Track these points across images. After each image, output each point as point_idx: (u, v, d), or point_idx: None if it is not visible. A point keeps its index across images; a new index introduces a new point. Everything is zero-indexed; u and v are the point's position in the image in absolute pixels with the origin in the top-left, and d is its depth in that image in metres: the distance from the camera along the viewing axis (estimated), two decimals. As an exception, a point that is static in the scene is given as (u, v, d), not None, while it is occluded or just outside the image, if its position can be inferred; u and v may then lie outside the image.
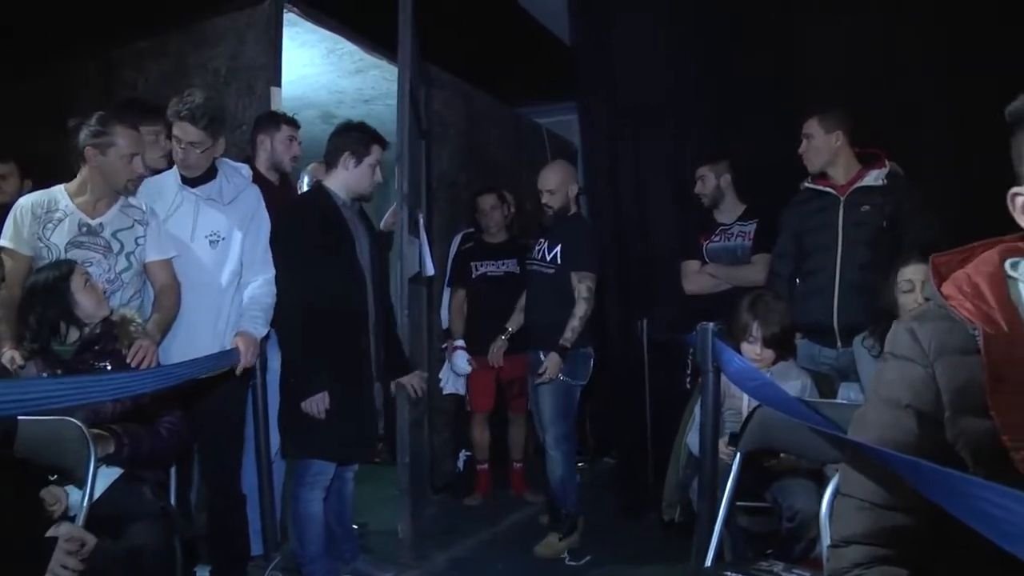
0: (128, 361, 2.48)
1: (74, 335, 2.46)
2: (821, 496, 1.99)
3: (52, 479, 2.20)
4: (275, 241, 3.07)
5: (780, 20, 4.15)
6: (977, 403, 1.07)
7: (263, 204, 3.10)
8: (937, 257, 1.21)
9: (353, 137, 3.16)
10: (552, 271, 3.78)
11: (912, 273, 2.68)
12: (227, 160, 3.17)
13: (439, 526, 4.13)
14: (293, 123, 3.59)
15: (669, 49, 4.37)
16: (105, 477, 2.26)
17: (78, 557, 1.87)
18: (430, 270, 3.94)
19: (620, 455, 4.76)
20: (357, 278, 3.13)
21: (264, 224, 3.07)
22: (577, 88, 4.69)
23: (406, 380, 3.43)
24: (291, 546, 3.23)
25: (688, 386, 3.82)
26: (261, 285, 3.00)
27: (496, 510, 4.48)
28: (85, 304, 2.46)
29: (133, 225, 2.80)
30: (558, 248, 3.77)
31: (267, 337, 3.03)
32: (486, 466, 4.72)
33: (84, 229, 2.72)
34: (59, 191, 2.76)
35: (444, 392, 4.67)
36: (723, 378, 2.45)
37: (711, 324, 2.41)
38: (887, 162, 3.25)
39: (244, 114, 3.85)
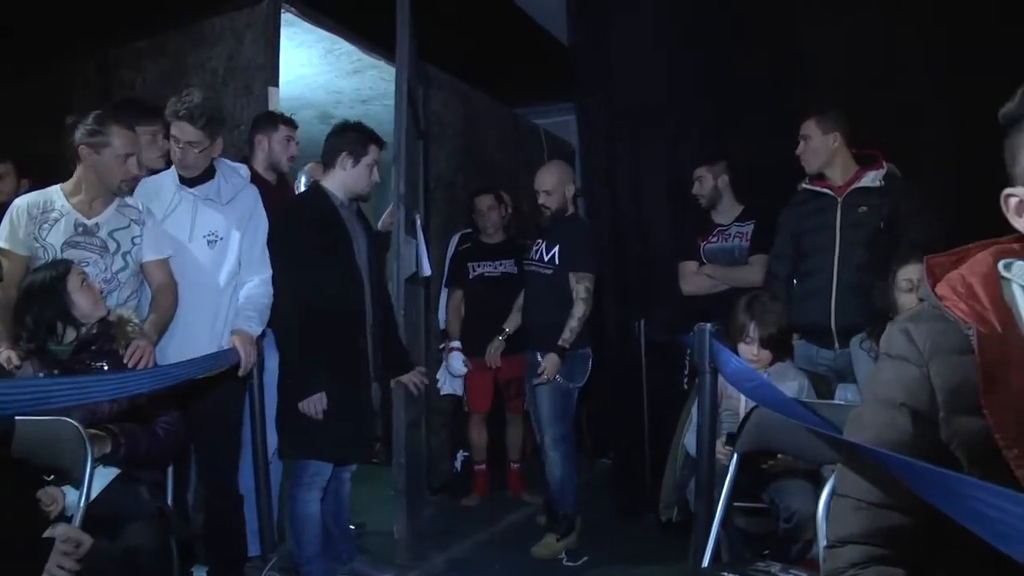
0: (125, 361, 2.48)
1: (71, 335, 2.46)
2: (818, 497, 2.00)
3: (48, 479, 2.20)
4: (272, 241, 3.07)
5: (780, 20, 4.15)
6: (971, 403, 1.08)
7: (261, 204, 3.10)
8: (931, 258, 1.22)
9: (350, 137, 3.16)
10: (550, 272, 3.78)
11: (912, 272, 2.68)
12: (225, 160, 3.17)
13: (437, 526, 4.13)
14: (291, 123, 3.58)
15: (667, 49, 4.36)
16: (102, 477, 2.26)
17: (74, 558, 1.87)
18: (427, 270, 3.94)
19: (618, 455, 4.75)
20: (355, 278, 3.13)
21: (262, 224, 3.07)
22: (575, 89, 4.69)
23: (406, 378, 3.43)
24: (288, 546, 3.22)
25: (685, 387, 3.82)
26: (257, 285, 3.00)
27: (493, 511, 4.48)
28: (82, 304, 2.46)
29: (129, 225, 2.80)
30: (556, 249, 3.76)
31: (263, 336, 3.03)
32: (483, 467, 4.72)
33: (80, 229, 2.72)
34: (55, 191, 2.76)
35: (441, 393, 4.66)
36: (720, 379, 2.45)
37: (708, 325, 2.41)
38: (884, 163, 3.25)
39: (242, 114, 3.85)
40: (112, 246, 2.75)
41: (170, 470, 2.63)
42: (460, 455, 4.96)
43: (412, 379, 3.44)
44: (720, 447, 2.64)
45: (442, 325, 4.74)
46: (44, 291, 2.43)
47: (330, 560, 3.25)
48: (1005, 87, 1.13)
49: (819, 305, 3.24)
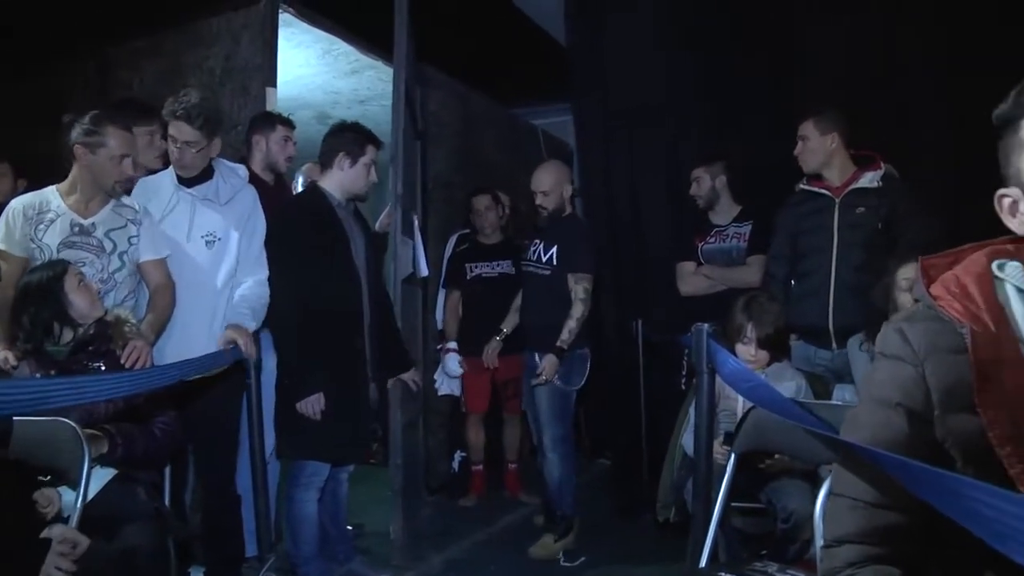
0: (122, 362, 2.47)
1: (68, 336, 2.46)
2: (815, 497, 1.99)
3: (45, 480, 2.19)
4: (270, 242, 3.07)
5: (780, 20, 4.15)
6: (965, 402, 1.09)
7: (259, 205, 3.10)
8: (926, 259, 1.24)
9: (348, 137, 3.16)
10: (548, 272, 3.77)
11: (912, 272, 2.68)
12: (224, 160, 3.17)
13: (434, 527, 4.13)
14: (288, 123, 3.58)
15: (666, 49, 4.36)
16: (99, 478, 2.26)
17: (71, 558, 1.86)
18: (424, 271, 3.93)
19: (615, 456, 4.76)
20: (352, 278, 3.12)
21: (260, 225, 3.07)
22: (571, 90, 4.69)
23: (407, 376, 3.43)
24: (285, 547, 3.22)
25: (683, 387, 3.82)
26: (251, 286, 3.00)
27: (491, 511, 4.48)
28: (79, 304, 2.46)
29: (126, 224, 2.79)
30: (554, 249, 3.76)
31: (258, 332, 3.03)
32: (481, 467, 4.72)
33: (76, 229, 2.72)
34: (51, 192, 2.76)
35: (439, 393, 4.66)
36: (718, 379, 2.45)
37: (706, 325, 2.40)
38: (882, 164, 3.26)
39: (239, 114, 3.85)
40: (108, 246, 2.75)
41: (167, 470, 2.63)
42: (457, 455, 4.96)
43: (412, 376, 3.45)
44: (718, 447, 2.64)
45: (440, 325, 4.74)
46: (41, 291, 2.43)
47: (327, 560, 3.25)
48: (1005, 87, 1.14)
49: (817, 306, 3.25)
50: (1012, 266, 1.15)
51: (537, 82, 6.25)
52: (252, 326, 2.94)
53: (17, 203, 2.75)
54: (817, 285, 3.26)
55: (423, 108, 4.65)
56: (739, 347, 2.98)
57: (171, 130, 2.92)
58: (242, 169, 3.29)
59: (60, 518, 2.11)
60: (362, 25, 4.59)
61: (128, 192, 2.90)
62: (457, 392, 4.66)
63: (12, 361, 2.41)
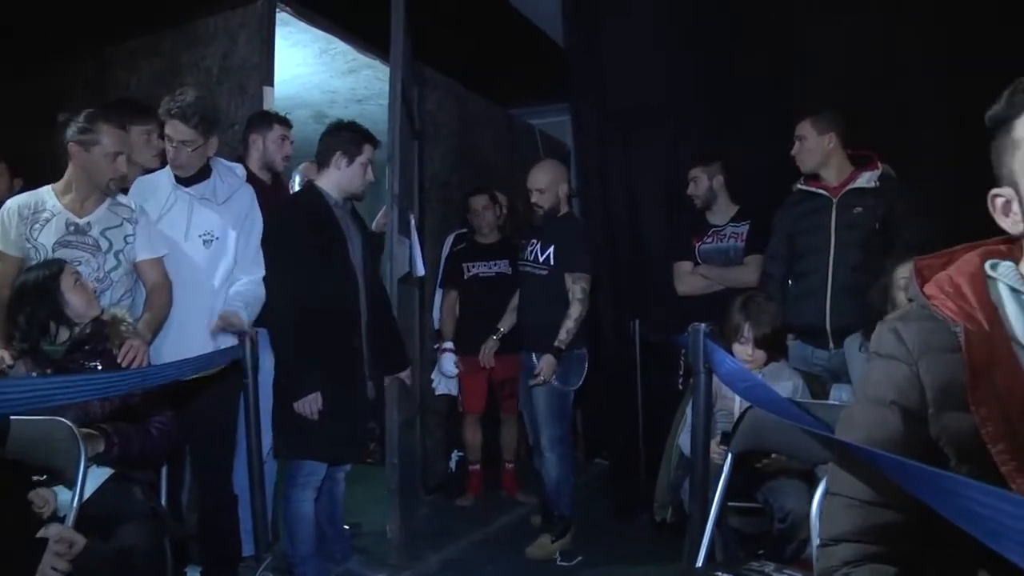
0: (119, 361, 2.47)
1: (64, 335, 2.45)
2: (812, 496, 1.99)
3: (41, 480, 2.19)
4: (267, 241, 3.07)
5: (780, 20, 4.15)
6: (959, 400, 1.10)
7: (257, 204, 3.09)
8: (920, 260, 1.26)
9: (344, 136, 3.16)
10: (545, 272, 3.77)
11: (909, 271, 2.68)
12: (221, 160, 3.17)
13: (431, 527, 4.12)
14: (285, 123, 3.58)
15: (666, 49, 4.36)
16: (95, 477, 2.25)
17: (67, 558, 1.86)
18: (420, 271, 3.92)
19: (612, 455, 4.76)
20: (349, 278, 3.12)
21: (257, 224, 3.07)
22: (568, 91, 4.69)
23: (404, 374, 3.43)
24: (282, 546, 3.22)
25: (680, 387, 3.83)
26: (246, 284, 2.99)
27: (488, 511, 4.48)
28: (75, 303, 2.46)
29: (122, 223, 2.79)
30: (551, 249, 3.75)
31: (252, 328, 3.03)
32: (478, 467, 4.72)
33: (72, 228, 2.71)
34: (47, 191, 2.76)
35: (436, 393, 4.66)
36: (715, 379, 2.45)
37: (703, 325, 2.41)
38: (879, 164, 3.26)
39: (236, 113, 3.85)
40: (104, 245, 2.74)
41: (164, 470, 2.63)
42: (455, 455, 4.96)
43: (406, 375, 3.46)
44: (714, 447, 2.64)
45: (437, 325, 4.74)
46: (37, 291, 2.43)
47: (324, 560, 3.24)
48: (1005, 87, 1.15)
49: (814, 306, 3.25)
50: (1005, 266, 1.16)
51: (535, 82, 6.25)
52: (245, 317, 2.94)
53: (12, 203, 2.75)
54: (814, 285, 3.27)
55: (420, 108, 4.65)
56: (736, 347, 2.98)
57: (167, 129, 2.91)
58: (240, 168, 3.28)
59: (56, 518, 2.11)
60: (359, 24, 4.58)
61: (124, 191, 2.90)
62: (454, 392, 4.66)
63: (8, 360, 2.40)
